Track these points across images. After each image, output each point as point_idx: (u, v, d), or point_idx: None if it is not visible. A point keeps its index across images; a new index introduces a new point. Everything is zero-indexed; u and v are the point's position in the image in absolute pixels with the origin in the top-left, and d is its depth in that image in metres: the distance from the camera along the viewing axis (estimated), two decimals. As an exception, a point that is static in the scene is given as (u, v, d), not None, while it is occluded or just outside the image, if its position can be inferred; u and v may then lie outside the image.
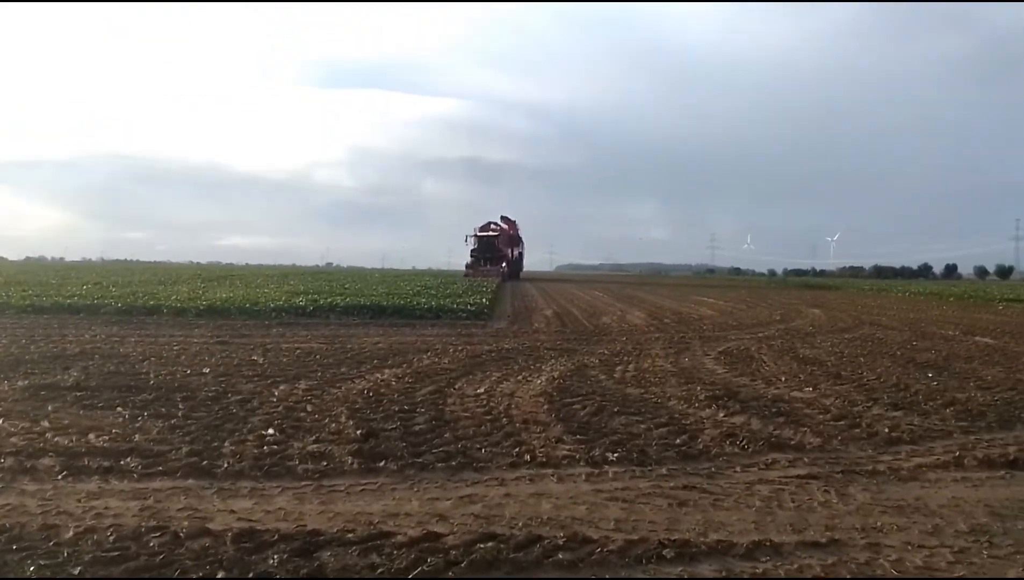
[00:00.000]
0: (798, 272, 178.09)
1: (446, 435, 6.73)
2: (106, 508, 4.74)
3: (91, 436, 6.40)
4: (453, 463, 5.89)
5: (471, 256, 64.54)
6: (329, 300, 21.67)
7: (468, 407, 7.96)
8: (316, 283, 36.04)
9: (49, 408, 7.42)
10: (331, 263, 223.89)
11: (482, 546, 4.25)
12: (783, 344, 15.11)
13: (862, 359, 12.77)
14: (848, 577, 3.97)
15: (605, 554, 4.20)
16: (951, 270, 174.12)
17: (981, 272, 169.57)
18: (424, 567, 3.98)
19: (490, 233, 65.70)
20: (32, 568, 3.82)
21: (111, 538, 4.25)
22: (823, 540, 4.46)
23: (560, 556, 4.16)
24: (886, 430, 7.24)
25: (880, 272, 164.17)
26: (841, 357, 13.04)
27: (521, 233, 71.36)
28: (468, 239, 65.23)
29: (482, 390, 8.91)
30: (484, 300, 24.41)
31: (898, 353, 13.79)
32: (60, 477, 5.33)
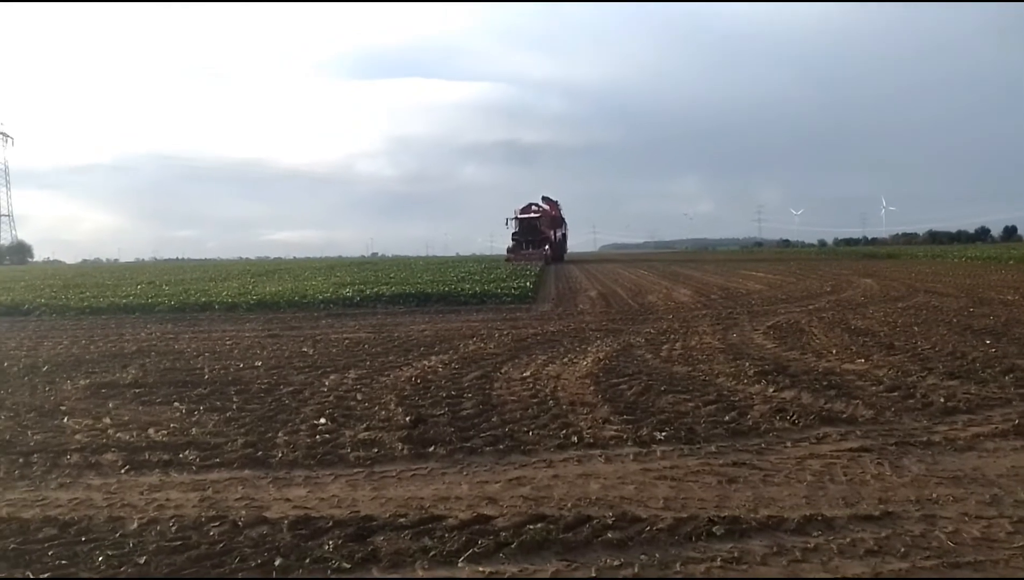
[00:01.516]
0: (849, 241, 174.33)
1: (493, 419, 6.79)
2: (167, 500, 4.90)
3: (150, 431, 6.61)
4: (501, 446, 5.94)
5: (512, 240, 61.88)
6: (375, 290, 21.93)
7: (515, 391, 8.01)
8: (362, 274, 36.47)
9: (110, 405, 7.68)
10: (376, 253, 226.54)
11: (531, 527, 4.29)
12: (834, 316, 14.84)
13: (916, 328, 12.48)
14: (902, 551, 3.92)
15: (654, 532, 4.20)
16: (1011, 233, 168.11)
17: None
18: (475, 549, 4.04)
19: (531, 215, 63.09)
20: (100, 558, 3.98)
21: (173, 528, 4.40)
22: (876, 513, 4.39)
23: (609, 535, 4.18)
24: (941, 400, 7.08)
25: (935, 238, 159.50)
26: (894, 327, 12.75)
27: (564, 213, 69.31)
28: (509, 222, 62.53)
29: (528, 373, 8.95)
30: (528, 283, 24.44)
31: (954, 320, 13.43)
32: (123, 471, 5.53)
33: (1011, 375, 8.16)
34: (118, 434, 6.53)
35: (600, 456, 5.66)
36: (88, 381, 9.01)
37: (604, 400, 7.43)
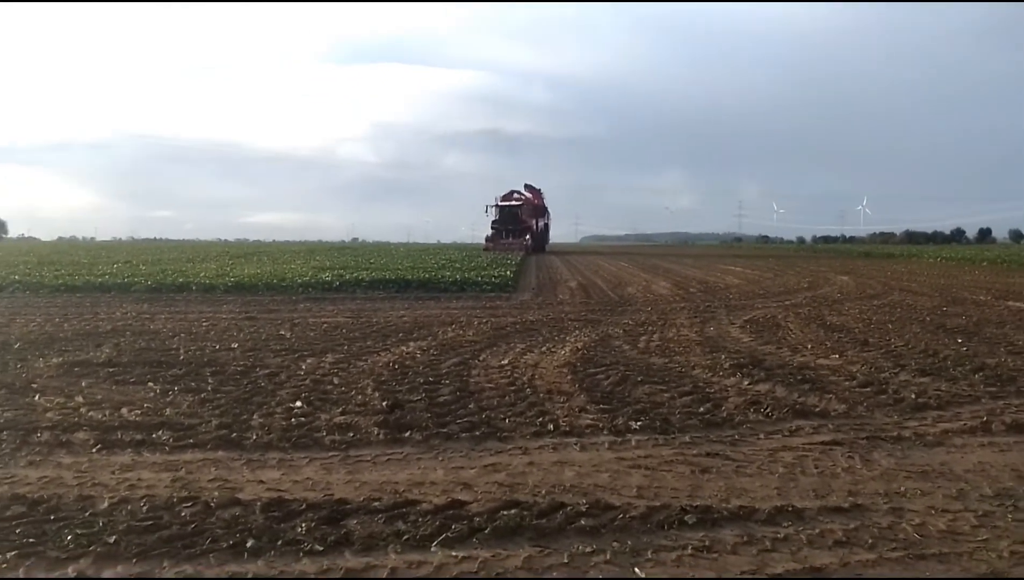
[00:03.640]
0: (827, 239, 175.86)
1: (470, 406, 6.80)
2: (139, 480, 4.87)
3: (124, 410, 6.55)
4: (477, 433, 5.95)
5: (492, 228, 59.03)
6: (355, 275, 21.82)
7: (492, 378, 8.02)
8: (342, 258, 36.29)
9: (83, 384, 7.60)
10: (357, 238, 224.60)
11: (505, 513, 4.31)
12: (810, 312, 14.98)
13: (890, 325, 12.63)
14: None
15: (627, 520, 4.24)
16: (985, 234, 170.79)
17: (1016, 236, 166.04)
18: (449, 533, 4.05)
19: (513, 203, 60.41)
20: (69, 537, 3.94)
21: (144, 508, 4.37)
22: (846, 505, 4.46)
23: (583, 522, 4.20)
24: (913, 396, 7.18)
25: (912, 237, 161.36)
26: (869, 324, 12.90)
27: (546, 203, 67.14)
28: (489, 209, 59.73)
29: (506, 361, 8.96)
30: (508, 273, 24.43)
31: (927, 319, 13.61)
32: (94, 450, 5.47)
33: (981, 373, 8.28)
34: (90, 413, 6.46)
35: (575, 444, 5.69)
36: (61, 359, 8.90)
37: (581, 389, 7.46)
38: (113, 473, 4.99)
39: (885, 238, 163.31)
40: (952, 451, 5.57)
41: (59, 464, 5.18)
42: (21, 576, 3.58)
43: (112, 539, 3.93)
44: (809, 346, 10.31)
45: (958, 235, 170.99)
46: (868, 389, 7.52)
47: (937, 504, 4.50)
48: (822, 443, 5.72)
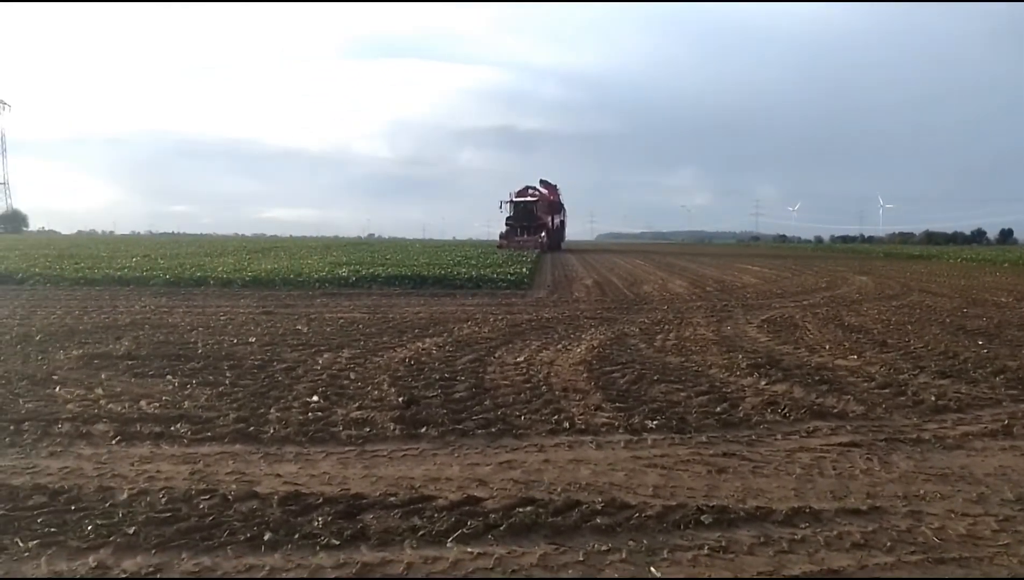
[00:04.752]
0: (846, 239, 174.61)
1: (486, 402, 6.80)
2: (158, 472, 4.91)
3: (143, 403, 6.61)
4: (493, 430, 5.95)
5: (506, 224, 57.51)
6: (371, 271, 21.89)
7: (508, 375, 8.02)
8: (358, 254, 36.40)
9: (102, 376, 7.67)
10: (373, 234, 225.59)
11: (521, 510, 4.30)
12: (828, 312, 14.87)
13: (909, 327, 12.52)
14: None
15: (643, 519, 4.22)
16: (1007, 235, 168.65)
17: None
18: (464, 529, 4.05)
19: (528, 199, 58.72)
20: (90, 527, 3.98)
21: (163, 500, 4.40)
22: (864, 507, 4.42)
23: (598, 521, 4.20)
24: (932, 398, 7.11)
25: (931, 238, 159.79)
26: (888, 325, 12.79)
27: (562, 199, 64.85)
28: (503, 205, 57.93)
29: (522, 358, 8.96)
30: (524, 270, 24.42)
31: (947, 320, 13.47)
32: (114, 442, 5.53)
33: (1002, 376, 8.19)
34: (110, 405, 6.52)
35: (591, 442, 5.68)
36: (81, 351, 8.99)
37: (597, 387, 7.45)
38: (132, 465, 5.04)
39: (904, 238, 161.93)
40: (972, 454, 5.51)
41: (79, 455, 5.23)
42: (42, 565, 3.62)
43: (131, 530, 3.97)
44: (827, 347, 10.24)
45: (979, 236, 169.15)
46: (887, 390, 7.46)
47: (957, 508, 4.46)
48: (840, 444, 5.67)
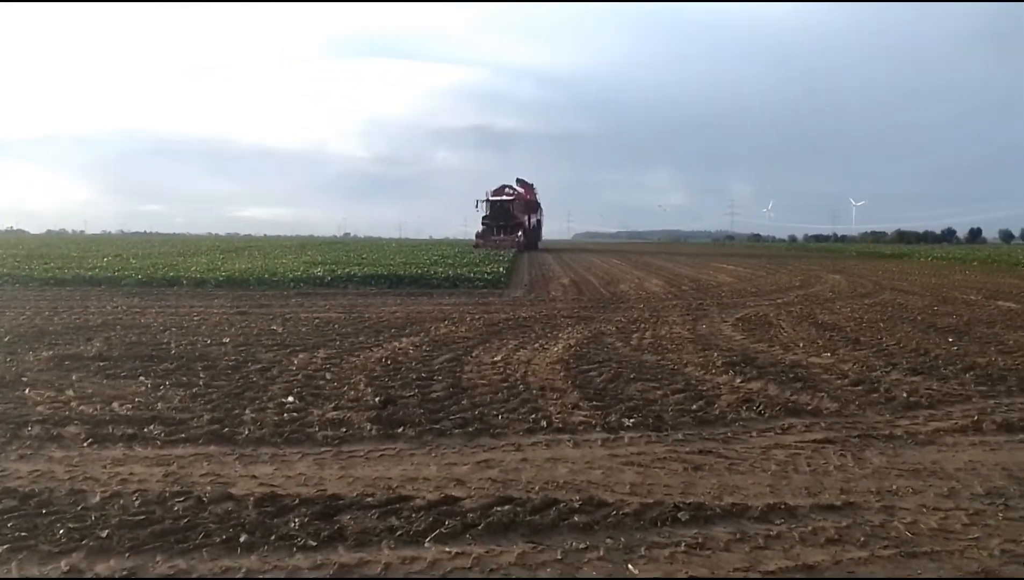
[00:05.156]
0: (819, 238, 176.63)
1: (463, 402, 6.79)
2: (131, 474, 4.84)
3: (115, 405, 6.52)
4: (470, 429, 5.95)
5: (482, 223, 56.97)
6: (347, 270, 21.77)
7: (485, 374, 8.01)
8: (334, 253, 36.18)
9: (73, 378, 7.56)
10: (348, 234, 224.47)
11: (499, 509, 4.31)
12: (802, 310, 15.02)
13: (882, 324, 12.69)
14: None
15: (620, 517, 4.24)
16: (975, 234, 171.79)
17: (1007, 236, 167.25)
18: (442, 529, 4.05)
19: (504, 197, 57.94)
20: (61, 531, 3.92)
21: (137, 503, 4.35)
22: (838, 503, 4.48)
23: (576, 519, 4.21)
24: (904, 395, 7.21)
25: (903, 237, 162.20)
26: (860, 322, 12.95)
27: (539, 198, 64.70)
28: (479, 204, 57.27)
29: (499, 358, 8.96)
30: (501, 269, 24.43)
31: (918, 318, 13.67)
32: (86, 444, 5.44)
33: (972, 372, 8.33)
34: (81, 407, 6.43)
35: (568, 441, 5.69)
36: (51, 353, 8.85)
37: (574, 386, 7.46)
38: (105, 467, 4.97)
39: (876, 237, 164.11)
40: (943, 450, 5.60)
41: (50, 458, 5.15)
42: (13, 571, 3.56)
43: (104, 533, 3.92)
44: (801, 344, 10.35)
45: (949, 235, 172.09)
46: (860, 387, 7.55)
47: (928, 502, 4.52)
48: (814, 441, 5.74)
